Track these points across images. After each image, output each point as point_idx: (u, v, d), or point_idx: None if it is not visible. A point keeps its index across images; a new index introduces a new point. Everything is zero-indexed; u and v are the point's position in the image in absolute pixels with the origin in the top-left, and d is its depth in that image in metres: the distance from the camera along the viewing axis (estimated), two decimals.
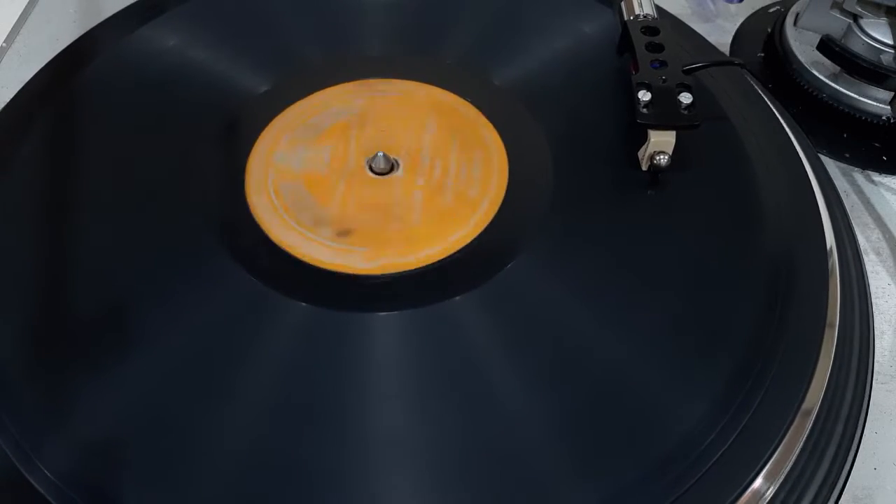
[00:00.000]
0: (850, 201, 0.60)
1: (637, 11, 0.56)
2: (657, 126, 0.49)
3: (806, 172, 0.52)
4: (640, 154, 0.50)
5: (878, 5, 0.61)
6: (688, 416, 0.40)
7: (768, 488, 0.40)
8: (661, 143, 0.49)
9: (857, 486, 0.46)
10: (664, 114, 0.49)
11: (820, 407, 0.43)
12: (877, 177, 0.62)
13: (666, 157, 0.48)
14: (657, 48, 0.52)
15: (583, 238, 0.47)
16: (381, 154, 0.50)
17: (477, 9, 0.61)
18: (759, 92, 0.59)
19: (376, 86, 0.56)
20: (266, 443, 0.39)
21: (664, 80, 0.50)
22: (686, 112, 0.49)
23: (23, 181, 0.50)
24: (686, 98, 0.49)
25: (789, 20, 0.69)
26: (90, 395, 0.41)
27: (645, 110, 0.49)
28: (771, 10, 0.74)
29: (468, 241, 0.47)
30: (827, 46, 0.63)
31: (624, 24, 0.55)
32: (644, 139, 0.49)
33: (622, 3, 0.57)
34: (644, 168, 0.50)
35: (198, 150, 0.52)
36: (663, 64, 0.51)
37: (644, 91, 0.49)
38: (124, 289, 0.45)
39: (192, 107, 0.54)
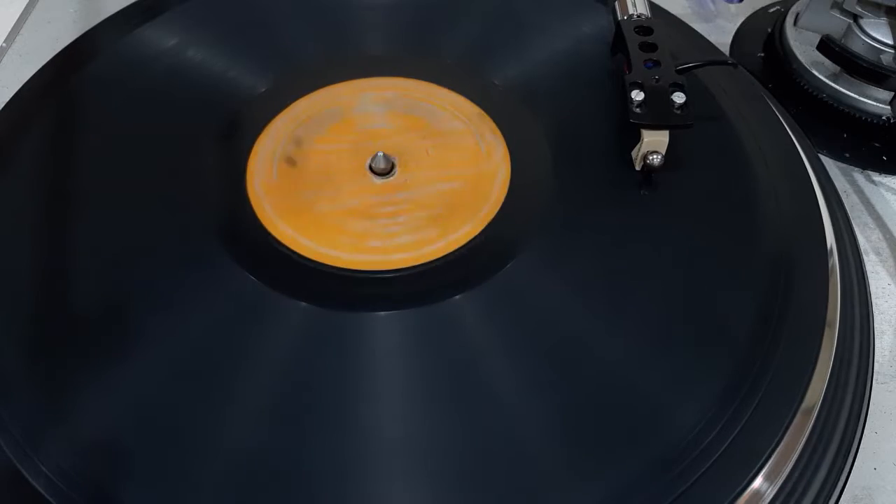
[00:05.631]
0: (850, 201, 0.60)
1: (631, 11, 0.56)
2: (650, 126, 0.49)
3: (806, 172, 0.52)
4: (633, 154, 0.50)
5: (878, 5, 0.61)
6: (688, 415, 0.40)
7: (768, 488, 0.40)
8: (654, 143, 0.48)
9: (857, 486, 0.46)
10: (657, 113, 0.49)
11: (820, 407, 0.43)
12: (877, 177, 0.62)
13: (659, 157, 0.48)
14: (651, 48, 0.52)
15: (583, 237, 0.47)
16: (380, 154, 0.50)
17: (477, 8, 0.61)
18: (760, 92, 0.59)
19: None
20: (266, 443, 0.39)
21: (657, 80, 0.50)
22: (679, 112, 0.49)
23: (23, 181, 0.50)
24: (679, 98, 0.49)
25: (789, 20, 0.69)
26: (91, 395, 0.41)
27: (638, 110, 0.49)
28: (771, 10, 0.74)
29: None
30: (827, 46, 0.63)
31: (617, 23, 0.55)
32: (638, 138, 0.49)
33: (616, 3, 0.57)
34: (637, 168, 0.50)
35: (198, 150, 0.52)
36: (657, 63, 0.51)
37: (637, 91, 0.49)
38: (125, 288, 0.45)
39: (192, 106, 0.54)
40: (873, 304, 0.53)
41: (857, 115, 0.64)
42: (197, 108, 0.54)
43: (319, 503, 0.38)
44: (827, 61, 0.64)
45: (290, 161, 0.51)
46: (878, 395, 0.50)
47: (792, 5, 0.70)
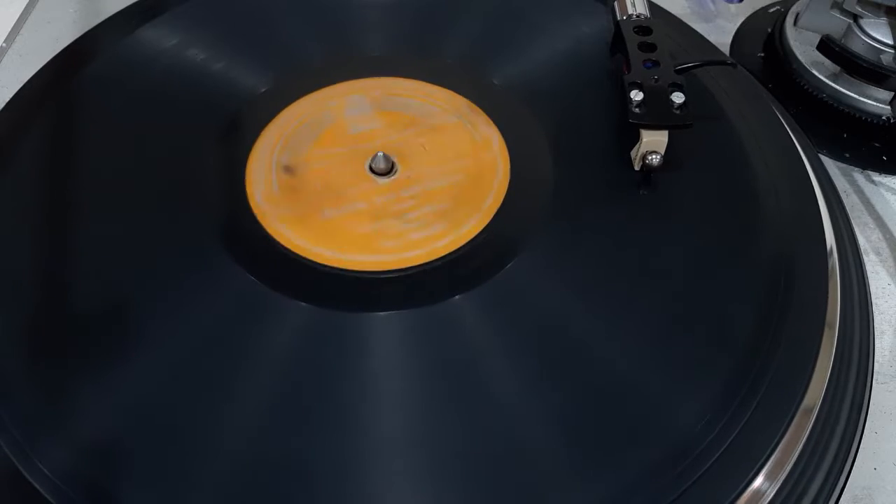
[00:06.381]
0: (850, 201, 0.60)
1: (630, 11, 0.55)
2: (649, 126, 0.49)
3: (806, 172, 0.52)
4: (632, 154, 0.50)
5: (878, 5, 0.61)
6: (688, 415, 0.40)
7: (768, 488, 0.40)
8: (653, 143, 0.48)
9: (857, 486, 0.46)
10: (656, 113, 0.49)
11: (820, 407, 0.43)
12: (877, 177, 0.62)
13: (658, 157, 0.48)
14: (650, 48, 0.52)
15: (583, 238, 0.47)
16: (380, 154, 0.50)
17: (477, 8, 0.61)
18: (760, 92, 0.59)
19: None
20: (266, 442, 0.39)
21: (656, 80, 0.50)
22: (678, 112, 0.49)
23: (23, 181, 0.50)
24: (678, 98, 0.49)
25: (789, 20, 0.69)
26: (90, 395, 0.41)
27: (637, 110, 0.49)
28: (771, 10, 0.74)
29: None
30: (827, 46, 0.63)
31: (616, 23, 0.55)
32: (638, 138, 0.49)
33: (615, 3, 0.57)
34: (636, 168, 0.50)
35: (198, 150, 0.52)
36: (656, 63, 0.51)
37: (636, 91, 0.49)
38: (125, 288, 0.45)
39: (192, 107, 0.54)
40: (873, 304, 0.53)
41: (857, 115, 0.64)
42: (197, 108, 0.54)
43: (319, 503, 0.38)
44: (827, 61, 0.64)
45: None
46: (878, 395, 0.50)
47: (792, 5, 0.70)
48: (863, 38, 0.62)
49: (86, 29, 0.61)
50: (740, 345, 0.43)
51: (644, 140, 0.48)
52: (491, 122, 0.53)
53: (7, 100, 0.56)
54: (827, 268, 0.47)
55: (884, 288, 0.56)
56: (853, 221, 0.57)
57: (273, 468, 0.39)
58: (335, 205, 0.49)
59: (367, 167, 0.51)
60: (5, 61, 0.70)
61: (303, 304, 0.44)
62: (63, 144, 0.52)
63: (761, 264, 0.46)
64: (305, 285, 0.45)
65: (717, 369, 0.42)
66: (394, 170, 0.51)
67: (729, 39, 0.72)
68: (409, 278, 0.45)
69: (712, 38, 0.63)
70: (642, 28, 0.54)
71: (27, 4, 0.74)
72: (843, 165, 0.62)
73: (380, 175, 0.50)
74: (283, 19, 0.60)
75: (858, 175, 0.62)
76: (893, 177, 0.62)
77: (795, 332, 0.44)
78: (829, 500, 0.43)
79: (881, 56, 0.61)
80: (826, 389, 0.44)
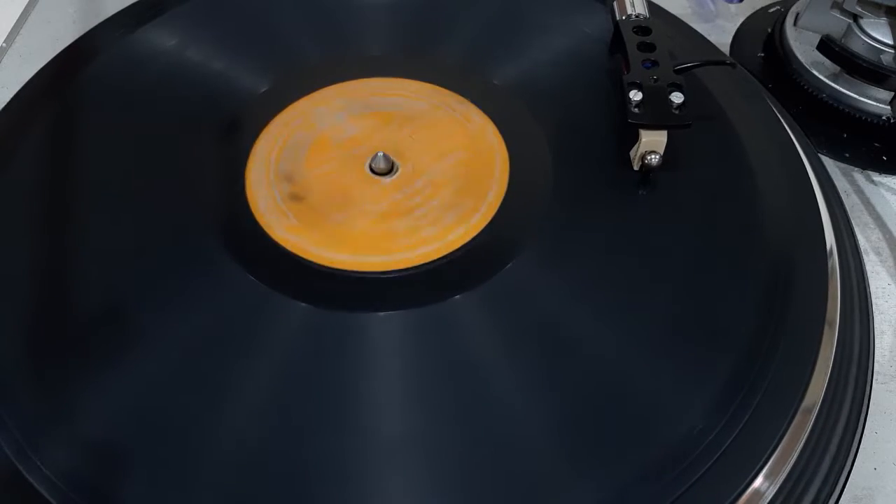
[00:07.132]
0: (850, 201, 0.60)
1: (629, 11, 0.55)
2: (648, 126, 0.48)
3: (806, 172, 0.52)
4: (631, 154, 0.50)
5: (878, 5, 0.61)
6: (688, 415, 0.40)
7: (768, 488, 0.40)
8: (652, 143, 0.48)
9: (857, 486, 0.46)
10: (655, 113, 0.49)
11: (820, 407, 0.43)
12: (877, 177, 0.62)
13: (657, 157, 0.48)
14: (649, 48, 0.52)
15: (583, 238, 0.47)
16: (380, 154, 0.50)
17: (477, 8, 0.61)
18: (760, 92, 0.59)
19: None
20: (266, 443, 0.39)
21: (656, 80, 0.50)
22: (678, 112, 0.49)
23: (23, 181, 0.50)
24: (677, 98, 0.49)
25: (789, 20, 0.69)
26: (91, 395, 0.41)
27: (636, 110, 0.49)
28: (771, 10, 0.74)
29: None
30: (827, 46, 0.63)
31: (616, 23, 0.55)
32: (637, 138, 0.49)
33: (614, 3, 0.57)
34: (635, 168, 0.50)
35: (198, 150, 0.52)
36: (655, 63, 0.51)
37: (635, 91, 0.49)
38: (125, 289, 0.45)
39: (192, 107, 0.54)
40: (873, 304, 0.53)
41: (857, 115, 0.64)
42: (197, 108, 0.54)
43: (319, 503, 0.38)
44: (827, 61, 0.64)
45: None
46: (878, 395, 0.50)
47: (792, 5, 0.70)
48: (863, 38, 0.62)
49: (86, 29, 0.61)
50: (740, 344, 0.43)
51: (643, 140, 0.48)
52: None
53: (7, 100, 0.56)
54: (827, 268, 0.47)
55: (884, 288, 0.56)
56: (853, 221, 0.57)
57: (273, 468, 0.39)
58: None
59: (367, 167, 0.51)
60: (5, 61, 0.70)
61: (303, 304, 0.44)
62: (63, 144, 0.52)
63: (761, 264, 0.46)
64: (306, 286, 0.45)
65: (716, 369, 0.42)
66: (394, 170, 0.51)
67: (729, 39, 0.72)
68: (409, 279, 0.45)
69: (712, 38, 0.63)
70: (641, 28, 0.54)
71: (27, 4, 0.74)
72: (843, 165, 0.62)
73: (380, 175, 0.50)
74: (282, 19, 0.60)
75: (858, 175, 0.62)
76: (893, 177, 0.62)
77: (795, 332, 0.44)
78: (829, 500, 0.43)
79: (881, 56, 0.61)
80: (826, 389, 0.44)
